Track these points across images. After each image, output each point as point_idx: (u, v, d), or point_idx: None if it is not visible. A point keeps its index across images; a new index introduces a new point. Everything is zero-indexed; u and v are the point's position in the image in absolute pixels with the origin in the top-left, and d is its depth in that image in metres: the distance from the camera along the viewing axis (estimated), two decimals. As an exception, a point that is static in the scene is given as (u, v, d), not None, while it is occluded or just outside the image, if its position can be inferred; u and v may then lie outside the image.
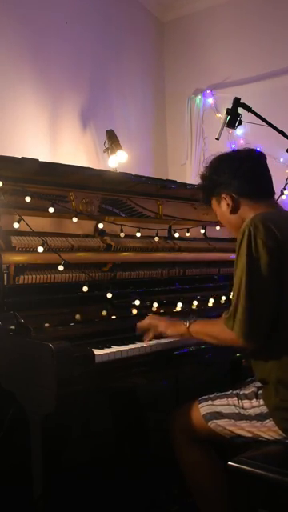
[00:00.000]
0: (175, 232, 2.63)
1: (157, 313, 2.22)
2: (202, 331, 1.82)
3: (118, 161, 3.44)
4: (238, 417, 1.74)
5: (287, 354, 1.64)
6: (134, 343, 1.90)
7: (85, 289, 2.07)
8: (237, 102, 2.56)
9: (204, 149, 4.28)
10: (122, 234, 2.37)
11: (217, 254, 2.74)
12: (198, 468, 1.84)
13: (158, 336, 1.94)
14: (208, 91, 4.23)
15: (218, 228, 2.79)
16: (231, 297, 1.66)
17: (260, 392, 1.74)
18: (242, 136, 3.98)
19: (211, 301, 2.48)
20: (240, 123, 2.58)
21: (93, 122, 3.66)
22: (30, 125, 3.20)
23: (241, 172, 1.79)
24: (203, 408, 1.81)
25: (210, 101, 4.22)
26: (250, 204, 1.79)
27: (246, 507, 1.60)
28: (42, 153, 3.19)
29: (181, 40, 4.48)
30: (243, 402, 1.75)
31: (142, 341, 1.92)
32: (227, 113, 2.57)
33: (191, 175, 4.27)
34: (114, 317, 2.12)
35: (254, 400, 1.73)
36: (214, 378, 2.40)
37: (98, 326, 2.04)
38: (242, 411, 1.74)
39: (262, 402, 1.71)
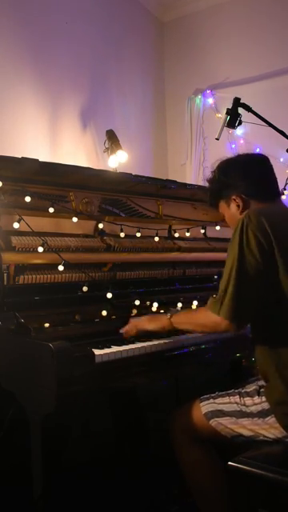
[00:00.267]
0: (175, 232, 2.63)
1: (157, 313, 2.22)
2: (185, 320, 1.88)
3: (118, 161, 3.44)
4: (240, 414, 1.74)
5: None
6: (133, 343, 1.90)
7: (85, 289, 2.07)
8: (237, 102, 2.56)
9: (204, 149, 4.28)
10: (122, 234, 2.36)
11: (217, 253, 2.74)
12: (198, 468, 1.84)
13: (143, 334, 1.96)
14: (208, 91, 4.23)
15: (217, 228, 2.79)
16: (220, 283, 1.71)
17: (262, 390, 1.74)
18: (242, 136, 3.98)
19: (211, 301, 2.48)
20: (240, 123, 2.58)
21: (93, 122, 3.66)
22: (29, 125, 3.20)
23: (249, 174, 1.84)
24: (205, 406, 1.82)
25: (210, 101, 4.23)
26: (257, 205, 1.83)
27: (246, 507, 1.60)
28: (42, 153, 3.19)
29: (181, 40, 4.48)
30: (245, 399, 1.76)
31: (141, 341, 1.92)
32: (227, 113, 2.57)
33: (191, 175, 4.27)
34: (113, 317, 2.12)
35: (256, 397, 1.74)
36: (214, 378, 2.40)
37: (98, 326, 2.04)
38: (243, 408, 1.75)
39: (263, 398, 1.72)
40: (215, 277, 2.76)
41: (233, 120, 2.57)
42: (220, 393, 1.84)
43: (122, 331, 1.98)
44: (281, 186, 3.10)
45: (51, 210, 2.11)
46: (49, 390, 1.57)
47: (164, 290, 2.47)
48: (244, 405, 1.75)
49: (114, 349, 1.80)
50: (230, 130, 3.43)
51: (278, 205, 1.87)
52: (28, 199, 2.04)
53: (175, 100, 4.48)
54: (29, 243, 1.99)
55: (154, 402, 2.38)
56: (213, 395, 1.85)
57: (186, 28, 4.45)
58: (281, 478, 1.48)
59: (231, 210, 1.88)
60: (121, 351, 1.80)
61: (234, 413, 1.76)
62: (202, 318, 1.77)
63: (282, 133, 2.60)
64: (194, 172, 4.27)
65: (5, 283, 1.90)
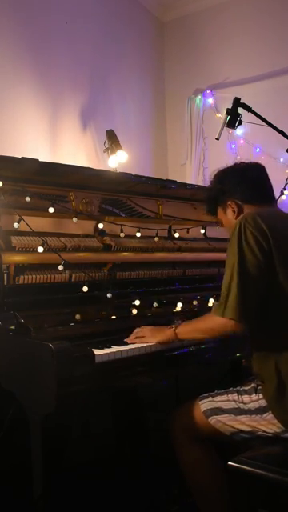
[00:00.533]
0: (175, 232, 2.63)
1: (157, 313, 2.22)
2: (190, 329, 1.88)
3: (117, 161, 3.44)
4: (238, 411, 1.77)
5: (286, 345, 1.69)
6: (133, 343, 1.90)
7: (85, 289, 2.07)
8: (237, 102, 2.56)
9: (204, 149, 4.28)
10: (122, 234, 2.37)
11: (217, 253, 2.74)
12: (198, 468, 1.85)
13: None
14: (208, 91, 4.23)
15: (218, 228, 2.79)
16: (222, 285, 1.72)
17: (259, 388, 1.76)
18: (241, 136, 3.98)
19: (211, 301, 2.48)
20: (240, 123, 2.58)
21: (93, 122, 3.66)
22: (29, 125, 3.20)
23: (244, 180, 1.91)
24: (204, 404, 1.84)
25: (210, 101, 4.23)
26: (253, 209, 1.87)
27: (246, 507, 1.60)
28: (42, 153, 3.19)
29: (181, 40, 4.48)
30: (243, 397, 1.78)
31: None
32: (227, 113, 2.57)
33: (191, 175, 4.27)
34: (113, 317, 2.12)
35: (254, 395, 1.76)
36: (214, 378, 2.41)
37: (98, 326, 2.04)
38: (241, 406, 1.77)
39: (261, 396, 1.74)
40: (215, 277, 2.77)
41: (233, 120, 2.57)
42: (219, 391, 1.86)
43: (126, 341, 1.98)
44: (281, 186, 3.12)
45: (51, 209, 2.11)
46: (49, 389, 1.57)
47: (164, 289, 2.47)
48: (242, 402, 1.77)
49: (114, 349, 1.80)
50: (230, 130, 3.43)
51: (273, 208, 1.93)
52: (28, 199, 2.04)
53: (175, 100, 4.48)
54: (29, 243, 1.99)
55: (154, 401, 2.38)
56: (211, 394, 1.87)
57: (186, 28, 4.45)
58: (281, 477, 1.48)
59: (228, 215, 1.94)
60: (121, 351, 1.80)
61: (233, 410, 1.78)
62: (208, 323, 1.78)
63: (282, 133, 2.60)
64: (194, 172, 4.27)
65: (5, 283, 1.90)
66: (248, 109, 2.57)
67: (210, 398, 1.84)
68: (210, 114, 4.23)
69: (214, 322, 1.72)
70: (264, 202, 1.89)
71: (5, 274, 1.91)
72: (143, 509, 2.16)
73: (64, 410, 1.64)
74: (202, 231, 2.79)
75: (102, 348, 1.78)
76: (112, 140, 3.48)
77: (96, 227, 2.31)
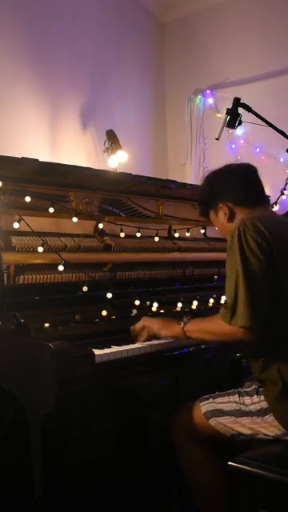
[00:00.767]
0: (175, 232, 2.63)
1: (157, 313, 2.22)
2: (199, 329, 1.84)
3: (117, 161, 3.44)
4: (239, 413, 1.75)
5: (286, 348, 1.68)
6: (133, 343, 1.90)
7: (85, 289, 2.07)
8: (237, 102, 2.56)
9: (204, 149, 4.28)
10: (122, 234, 2.37)
11: (217, 253, 2.74)
12: (198, 468, 1.85)
13: (153, 337, 1.94)
14: (208, 91, 4.23)
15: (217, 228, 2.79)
16: (226, 293, 1.69)
17: (261, 389, 1.75)
18: (241, 136, 3.98)
19: (211, 301, 2.48)
20: (240, 123, 2.58)
21: (93, 122, 3.66)
22: (30, 125, 3.20)
23: (234, 182, 1.89)
24: (204, 406, 1.83)
25: (210, 101, 4.23)
26: (245, 212, 1.85)
27: (246, 507, 1.60)
28: (42, 153, 3.19)
29: (181, 40, 4.48)
30: (244, 398, 1.77)
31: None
32: (227, 113, 2.57)
33: (191, 175, 4.27)
34: (113, 317, 2.12)
35: (255, 396, 1.75)
36: (214, 378, 2.41)
37: (98, 326, 2.04)
38: (242, 407, 1.76)
39: (262, 397, 1.73)
40: (215, 277, 2.77)
41: (233, 120, 2.57)
42: (219, 393, 1.85)
43: (131, 328, 1.96)
44: (281, 186, 3.11)
45: (51, 209, 2.11)
46: (49, 389, 1.57)
47: (164, 289, 2.47)
48: (243, 404, 1.76)
49: (114, 349, 1.80)
50: (230, 130, 3.43)
51: (268, 212, 1.91)
52: (28, 199, 2.04)
53: (175, 100, 4.48)
54: (29, 243, 1.99)
55: (154, 401, 2.38)
56: (212, 395, 1.86)
57: (187, 28, 4.45)
58: (281, 477, 1.48)
59: (219, 218, 1.93)
60: (121, 351, 1.80)
61: (234, 412, 1.77)
62: (217, 327, 1.72)
63: (282, 133, 2.60)
64: (194, 172, 4.27)
65: (5, 283, 1.90)
66: (248, 109, 2.57)
67: (211, 400, 1.83)
68: (210, 114, 4.23)
69: (224, 328, 1.66)
70: (256, 204, 1.87)
71: (5, 274, 1.91)
72: (143, 509, 2.16)
73: (64, 410, 1.64)
74: (202, 231, 2.79)
75: (101, 348, 1.78)
76: (112, 140, 3.47)
77: (96, 227, 2.31)
